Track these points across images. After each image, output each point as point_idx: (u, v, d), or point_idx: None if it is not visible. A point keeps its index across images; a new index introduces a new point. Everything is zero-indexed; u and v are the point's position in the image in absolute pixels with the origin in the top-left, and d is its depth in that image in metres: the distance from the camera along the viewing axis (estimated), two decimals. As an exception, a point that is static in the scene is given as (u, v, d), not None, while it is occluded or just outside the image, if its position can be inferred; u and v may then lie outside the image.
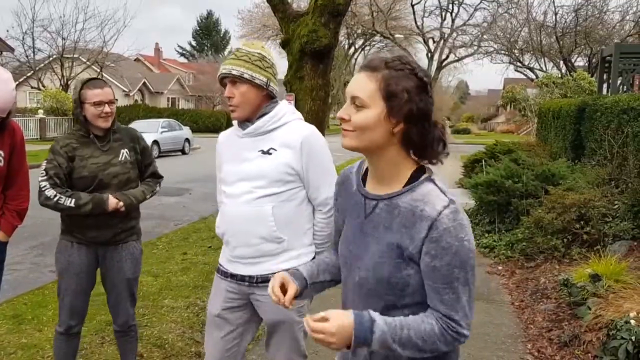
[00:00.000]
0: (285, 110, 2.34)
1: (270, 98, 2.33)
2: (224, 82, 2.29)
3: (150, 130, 20.73)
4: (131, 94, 42.04)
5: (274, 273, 2.29)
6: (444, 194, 1.43)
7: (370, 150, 1.47)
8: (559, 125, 11.58)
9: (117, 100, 2.94)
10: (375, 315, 1.41)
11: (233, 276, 2.38)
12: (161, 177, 3.16)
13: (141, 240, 3.12)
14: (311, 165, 2.28)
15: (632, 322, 3.16)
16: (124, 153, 2.93)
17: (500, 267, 6.06)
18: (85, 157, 2.84)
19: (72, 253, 2.89)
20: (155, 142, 20.40)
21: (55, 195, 2.74)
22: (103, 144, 2.89)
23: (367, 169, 1.59)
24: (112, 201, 2.80)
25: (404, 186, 1.47)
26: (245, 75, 2.23)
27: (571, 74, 22.90)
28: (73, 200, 2.75)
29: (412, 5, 37.07)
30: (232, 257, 2.38)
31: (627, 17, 26.62)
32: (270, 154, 2.27)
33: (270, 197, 2.27)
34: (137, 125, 21.84)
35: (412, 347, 1.41)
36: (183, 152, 22.43)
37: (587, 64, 27.27)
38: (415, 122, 1.41)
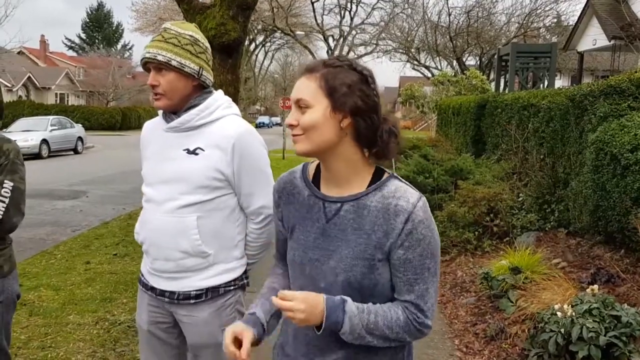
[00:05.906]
0: (219, 103, 2.04)
1: (202, 88, 2.04)
2: (147, 67, 1.97)
3: (38, 129, 19.33)
4: (14, 89, 38.87)
5: (199, 289, 2.04)
6: (412, 189, 1.44)
7: (324, 151, 1.42)
8: (460, 121, 12.03)
9: None
10: (345, 297, 1.38)
11: (153, 289, 2.10)
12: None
13: None
14: (244, 169, 1.99)
15: (559, 314, 3.22)
16: None
17: (416, 262, 6.11)
18: None
19: None
20: (45, 141, 18.96)
21: None
22: None
23: (315, 175, 1.54)
24: None
25: (367, 187, 1.44)
26: (173, 62, 1.92)
27: (464, 72, 24.05)
28: None
29: (312, 3, 37.32)
30: (152, 270, 2.09)
31: (513, 20, 28.46)
32: (197, 154, 1.97)
33: (195, 205, 1.97)
34: (23, 123, 20.30)
35: (379, 334, 1.38)
36: (76, 151, 20.99)
37: (478, 63, 28.78)
38: (362, 115, 1.39)
